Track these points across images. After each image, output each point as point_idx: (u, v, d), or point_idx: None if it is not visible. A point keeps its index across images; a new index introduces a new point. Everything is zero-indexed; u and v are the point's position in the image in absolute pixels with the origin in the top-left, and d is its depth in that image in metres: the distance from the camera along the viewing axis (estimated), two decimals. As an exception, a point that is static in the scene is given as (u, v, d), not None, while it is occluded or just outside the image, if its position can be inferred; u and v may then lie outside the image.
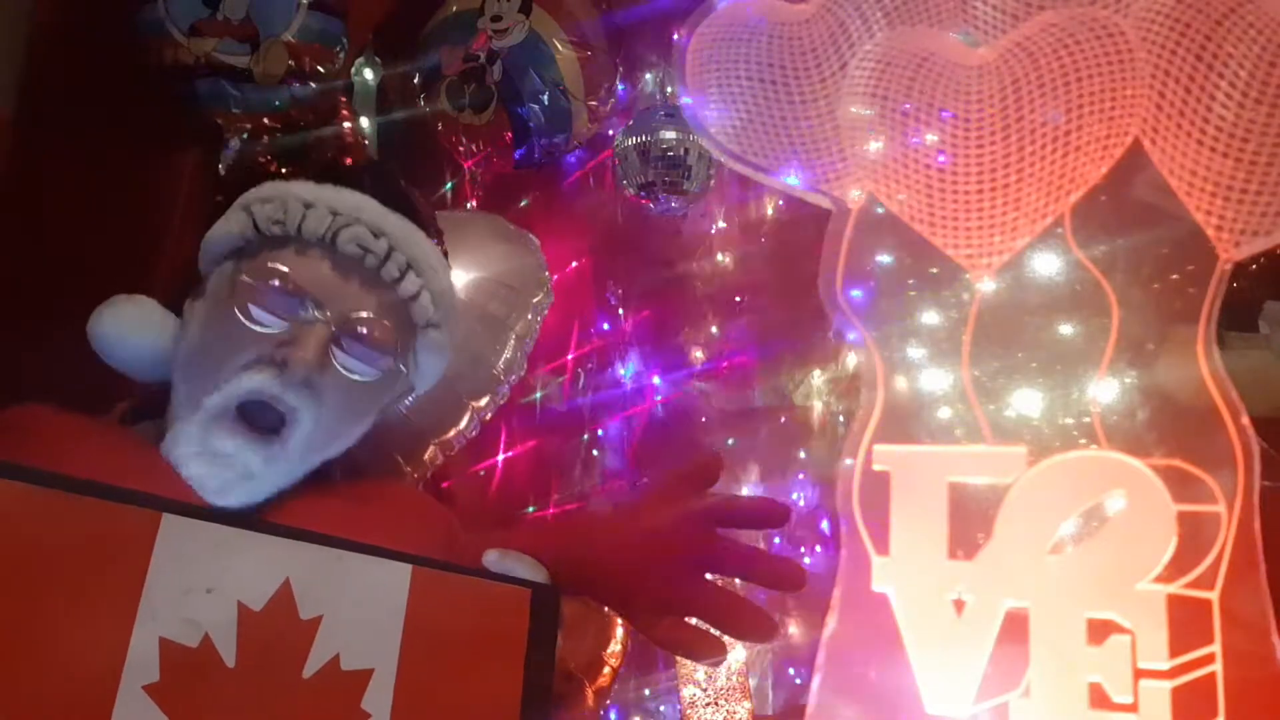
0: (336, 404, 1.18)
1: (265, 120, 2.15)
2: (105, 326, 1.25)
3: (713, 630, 1.22)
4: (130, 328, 1.25)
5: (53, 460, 1.08)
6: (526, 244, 1.85)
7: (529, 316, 1.75)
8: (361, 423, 1.26)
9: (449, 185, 2.56)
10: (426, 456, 1.68)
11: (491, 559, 1.11)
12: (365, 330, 1.18)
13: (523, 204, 2.63)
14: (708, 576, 1.23)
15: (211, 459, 1.13)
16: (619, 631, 1.92)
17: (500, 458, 2.51)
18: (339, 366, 1.17)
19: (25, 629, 0.74)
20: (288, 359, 1.13)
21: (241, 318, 1.16)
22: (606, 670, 1.87)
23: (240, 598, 0.81)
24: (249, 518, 1.06)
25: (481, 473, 2.48)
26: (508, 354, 1.71)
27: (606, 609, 1.67)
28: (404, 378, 1.29)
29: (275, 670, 0.81)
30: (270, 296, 1.16)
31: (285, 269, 1.18)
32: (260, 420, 1.14)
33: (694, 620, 1.22)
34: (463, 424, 1.69)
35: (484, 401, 1.70)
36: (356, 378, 1.19)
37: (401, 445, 1.64)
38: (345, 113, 2.32)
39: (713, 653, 1.22)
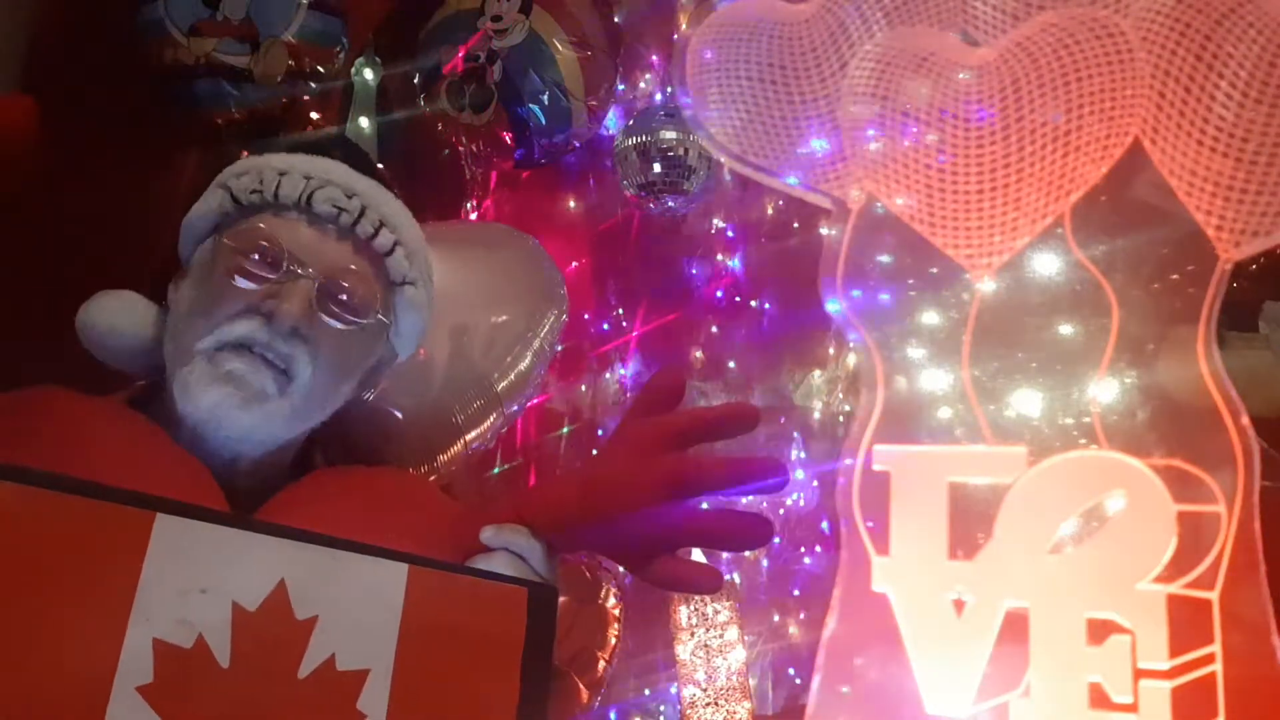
0: (329, 354, 1.21)
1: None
2: (90, 318, 1.29)
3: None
4: (114, 320, 1.29)
5: (64, 440, 1.11)
6: (543, 259, 1.86)
7: (544, 332, 1.76)
8: (351, 378, 1.28)
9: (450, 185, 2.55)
10: (448, 456, 1.70)
11: (488, 535, 1.13)
12: (347, 283, 1.23)
13: (522, 203, 2.63)
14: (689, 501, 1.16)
15: (225, 379, 1.15)
16: (614, 626, 1.93)
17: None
18: (325, 319, 1.20)
19: (17, 630, 0.74)
20: (274, 310, 1.16)
21: (228, 279, 1.19)
22: (600, 665, 1.87)
23: (235, 598, 0.81)
24: (244, 517, 1.06)
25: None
26: (524, 364, 1.73)
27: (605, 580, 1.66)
28: (386, 337, 1.32)
29: (270, 671, 0.81)
30: (254, 258, 1.20)
31: (265, 229, 1.21)
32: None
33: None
34: (485, 427, 1.71)
35: (494, 416, 1.71)
36: (342, 327, 1.22)
37: (421, 443, 1.66)
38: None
39: (708, 583, 1.20)
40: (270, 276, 1.19)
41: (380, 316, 1.27)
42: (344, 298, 1.22)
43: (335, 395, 1.28)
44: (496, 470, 2.53)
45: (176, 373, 1.19)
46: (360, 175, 1.29)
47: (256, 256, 1.20)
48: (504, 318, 1.73)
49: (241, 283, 1.19)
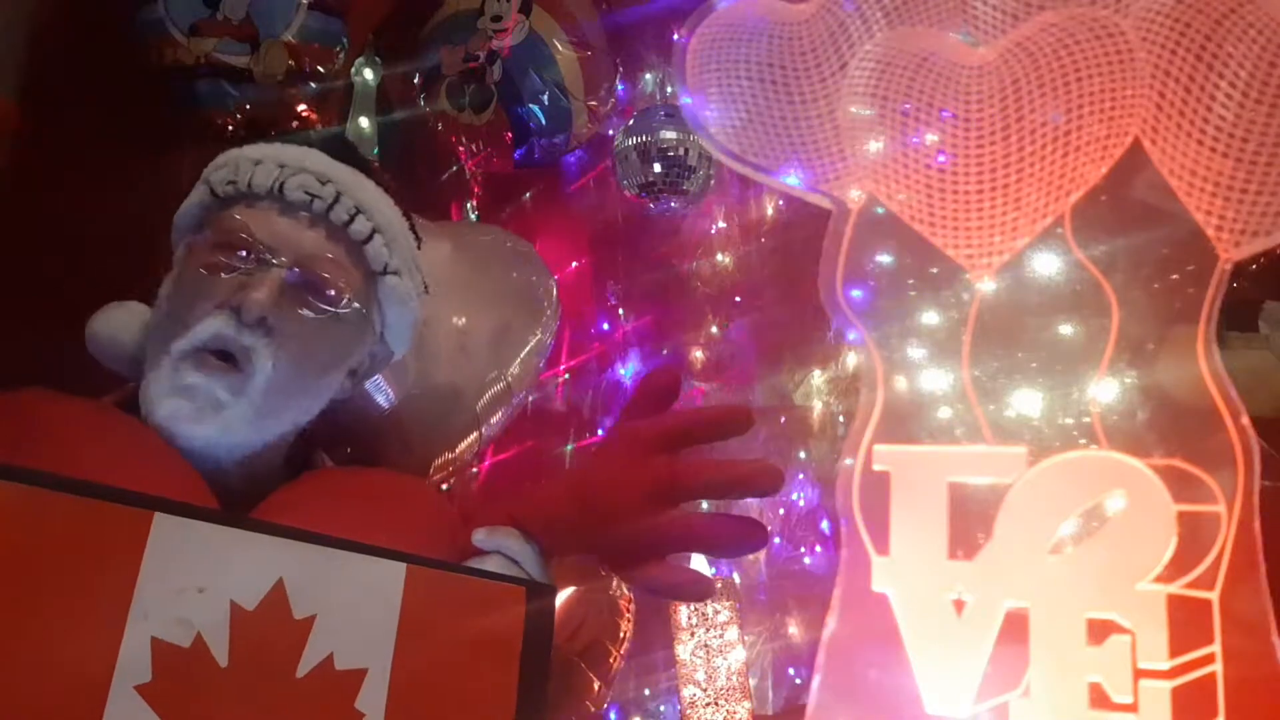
0: (296, 346, 1.19)
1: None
2: (97, 329, 1.29)
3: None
4: (119, 330, 1.29)
5: (53, 442, 1.11)
6: (535, 260, 1.89)
7: (540, 332, 1.79)
8: (328, 373, 1.27)
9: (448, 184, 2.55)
10: (454, 455, 1.72)
11: (480, 538, 1.11)
12: (318, 268, 1.21)
13: (523, 203, 2.63)
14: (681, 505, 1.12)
15: (180, 392, 1.15)
16: (626, 618, 1.92)
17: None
18: (298, 308, 1.19)
19: (15, 630, 0.74)
20: (242, 301, 1.15)
21: (199, 273, 1.18)
22: (613, 657, 1.86)
23: (233, 597, 0.80)
24: (242, 516, 1.06)
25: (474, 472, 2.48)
26: (517, 368, 1.75)
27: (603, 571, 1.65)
28: (371, 330, 1.30)
29: (268, 670, 0.81)
30: (225, 248, 1.19)
31: (238, 219, 1.20)
32: (225, 358, 1.17)
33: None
34: (480, 433, 1.73)
35: (496, 416, 1.74)
36: (315, 316, 1.20)
37: (417, 447, 1.68)
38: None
39: (697, 590, 1.17)
40: (240, 266, 1.19)
41: (356, 305, 1.25)
42: (316, 283, 1.20)
43: (311, 391, 1.25)
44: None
45: (148, 371, 1.19)
46: (337, 162, 1.28)
47: (227, 246, 1.19)
48: (510, 313, 1.76)
49: (212, 274, 1.18)
